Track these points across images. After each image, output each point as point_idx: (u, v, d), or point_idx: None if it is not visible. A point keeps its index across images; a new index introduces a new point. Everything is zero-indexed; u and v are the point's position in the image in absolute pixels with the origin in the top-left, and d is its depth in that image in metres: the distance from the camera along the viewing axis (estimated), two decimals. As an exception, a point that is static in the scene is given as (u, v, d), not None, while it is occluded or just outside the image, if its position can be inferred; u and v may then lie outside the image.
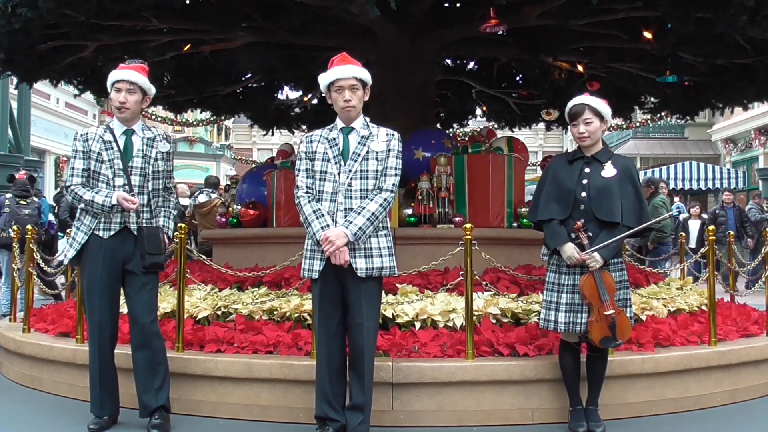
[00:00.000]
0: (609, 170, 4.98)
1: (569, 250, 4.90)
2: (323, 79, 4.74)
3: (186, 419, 5.35)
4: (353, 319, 4.61)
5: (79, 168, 5.05)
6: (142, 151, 5.09)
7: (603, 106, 5.06)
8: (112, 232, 5.00)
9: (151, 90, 5.21)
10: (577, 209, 4.96)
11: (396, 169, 4.68)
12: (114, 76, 5.10)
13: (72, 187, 5.03)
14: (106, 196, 4.93)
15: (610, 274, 4.92)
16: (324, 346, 4.67)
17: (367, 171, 4.62)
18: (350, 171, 4.61)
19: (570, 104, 5.12)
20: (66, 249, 5.28)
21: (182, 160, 32.91)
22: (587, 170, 5.02)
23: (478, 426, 5.26)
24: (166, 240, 5.19)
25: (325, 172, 4.64)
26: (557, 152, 28.78)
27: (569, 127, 5.13)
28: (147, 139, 5.14)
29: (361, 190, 4.60)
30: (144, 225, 5.05)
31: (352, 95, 4.65)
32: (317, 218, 4.58)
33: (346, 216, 4.56)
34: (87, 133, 5.14)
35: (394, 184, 4.67)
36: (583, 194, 4.96)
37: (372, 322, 4.67)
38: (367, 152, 4.63)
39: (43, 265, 7.55)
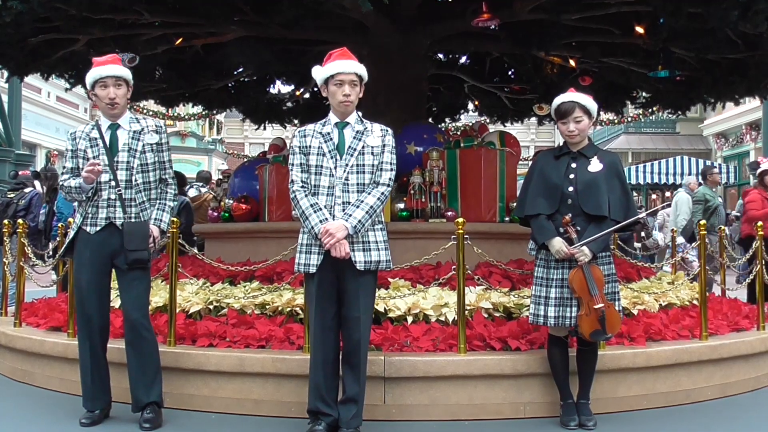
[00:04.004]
0: (595, 165, 5.01)
1: (557, 244, 4.92)
2: (322, 72, 4.70)
3: (178, 413, 5.34)
4: (350, 312, 4.61)
5: (68, 167, 5.13)
6: (128, 145, 5.06)
7: (591, 103, 5.09)
8: (98, 228, 5.01)
9: (131, 80, 5.19)
10: (564, 204, 4.98)
11: (391, 164, 4.70)
12: (98, 72, 5.04)
13: (61, 183, 5.10)
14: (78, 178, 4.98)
15: (598, 268, 4.94)
16: (320, 341, 4.67)
17: (364, 165, 4.62)
18: (347, 165, 4.61)
19: (558, 101, 5.12)
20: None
21: (174, 155, 32.61)
22: (574, 165, 5.04)
23: (469, 420, 5.26)
24: (156, 233, 5.13)
25: (321, 167, 4.63)
26: (549, 147, 28.82)
27: (558, 124, 5.14)
28: (133, 132, 5.11)
29: (358, 184, 4.61)
30: (131, 220, 5.02)
31: (351, 90, 4.65)
32: (315, 212, 4.57)
33: (344, 210, 4.56)
34: (75, 132, 5.19)
35: (390, 178, 4.69)
36: (571, 189, 4.98)
37: (368, 316, 4.70)
38: (363, 147, 4.64)
39: (34, 259, 7.52)
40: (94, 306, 5.04)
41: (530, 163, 6.44)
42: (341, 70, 4.64)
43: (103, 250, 5.01)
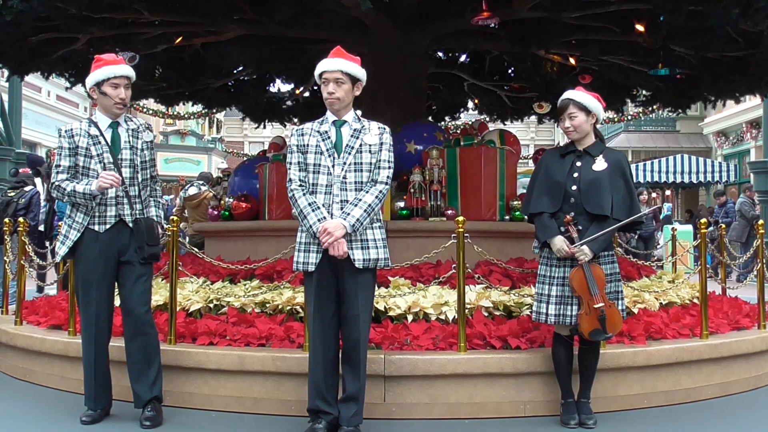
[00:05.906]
0: (600, 164, 5.00)
1: (558, 243, 4.92)
2: (315, 72, 4.75)
3: (178, 411, 5.34)
4: (349, 310, 4.61)
5: (64, 165, 5.02)
6: (129, 142, 5.07)
7: (590, 100, 5.05)
8: (107, 226, 4.99)
9: None
10: (567, 203, 4.98)
11: (389, 162, 4.70)
12: (111, 71, 5.00)
13: (55, 183, 5.01)
14: (86, 185, 4.92)
15: (600, 267, 4.94)
16: (319, 339, 4.67)
17: (362, 163, 4.62)
18: (345, 163, 4.61)
19: (559, 99, 5.16)
20: (57, 246, 5.27)
21: (174, 153, 32.76)
22: (578, 164, 5.04)
23: (470, 419, 5.26)
24: (160, 230, 5.18)
25: (319, 165, 4.63)
26: (549, 145, 28.85)
27: (558, 122, 5.18)
28: (131, 130, 5.12)
29: (356, 182, 4.61)
30: (138, 216, 5.03)
31: (336, 88, 4.65)
32: (313, 210, 4.56)
33: (342, 208, 4.56)
34: (71, 129, 5.08)
35: (388, 177, 4.68)
36: (574, 188, 4.98)
37: (367, 314, 4.70)
38: (361, 145, 4.64)
39: (35, 257, 7.52)
40: (103, 305, 5.04)
41: (530, 161, 6.44)
42: (325, 68, 4.68)
43: (111, 248, 5.00)
